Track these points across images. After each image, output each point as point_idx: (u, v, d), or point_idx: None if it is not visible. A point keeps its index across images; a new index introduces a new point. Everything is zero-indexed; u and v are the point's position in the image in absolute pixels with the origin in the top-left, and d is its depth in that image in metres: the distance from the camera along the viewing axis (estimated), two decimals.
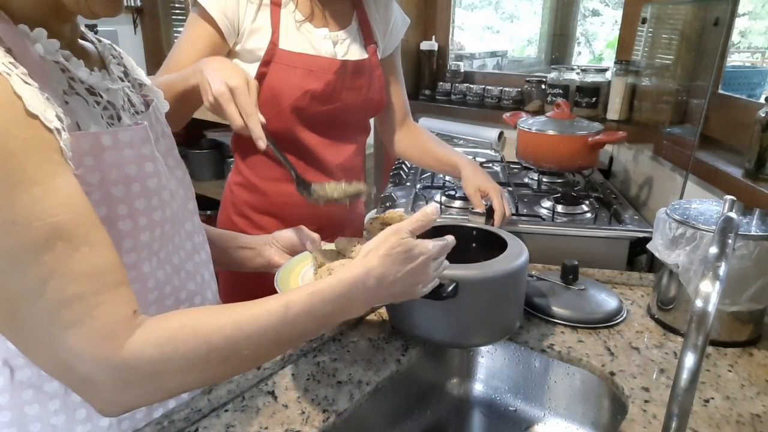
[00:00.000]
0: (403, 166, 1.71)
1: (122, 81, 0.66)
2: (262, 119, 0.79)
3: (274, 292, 0.67)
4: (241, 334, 0.53)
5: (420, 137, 1.31)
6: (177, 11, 3.49)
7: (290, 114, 1.06)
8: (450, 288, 0.75)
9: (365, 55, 1.14)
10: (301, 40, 1.07)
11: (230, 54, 1.07)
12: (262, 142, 0.78)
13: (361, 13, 1.16)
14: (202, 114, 1.03)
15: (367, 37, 1.16)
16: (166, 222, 0.63)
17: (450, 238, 0.68)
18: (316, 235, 0.87)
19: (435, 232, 0.92)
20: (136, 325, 0.49)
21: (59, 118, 0.49)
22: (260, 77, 1.05)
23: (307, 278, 0.78)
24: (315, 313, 0.57)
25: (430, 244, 0.64)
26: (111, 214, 0.56)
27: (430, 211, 0.65)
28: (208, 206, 2.63)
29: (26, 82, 0.46)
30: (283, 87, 1.05)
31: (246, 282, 1.17)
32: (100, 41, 0.67)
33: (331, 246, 0.84)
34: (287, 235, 0.87)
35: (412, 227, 0.64)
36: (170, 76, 0.92)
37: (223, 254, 0.85)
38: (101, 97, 0.59)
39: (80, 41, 0.63)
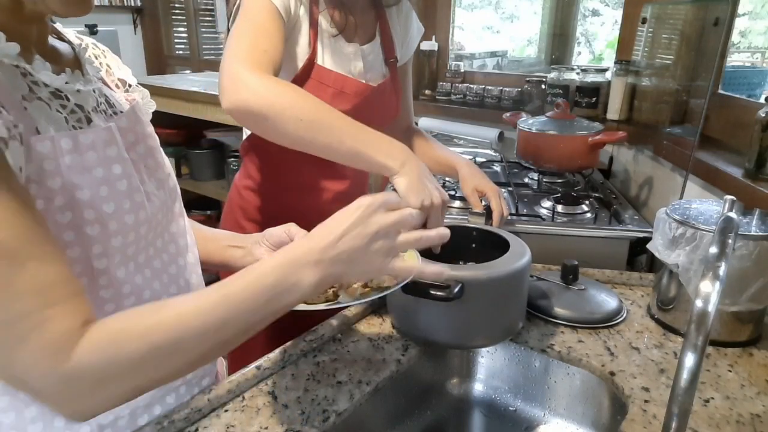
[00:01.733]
0: None
1: (99, 81, 0.64)
2: None
3: None
4: (181, 326, 0.51)
5: (418, 139, 1.31)
6: (177, 11, 3.50)
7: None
8: (456, 289, 0.75)
9: (387, 73, 1.14)
10: (335, 57, 1.06)
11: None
12: (438, 249, 0.82)
13: (384, 25, 1.15)
14: (202, 114, 1.02)
15: (388, 52, 1.15)
16: (140, 225, 0.61)
17: (409, 211, 0.62)
18: (304, 232, 0.86)
19: None
20: (84, 334, 0.49)
21: (7, 127, 0.47)
22: None
23: None
24: (257, 288, 0.54)
25: (381, 198, 0.60)
26: (77, 219, 0.54)
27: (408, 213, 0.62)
28: (208, 206, 2.64)
29: None
30: None
31: None
32: (81, 40, 0.66)
33: None
34: (277, 233, 0.85)
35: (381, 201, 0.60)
36: (346, 118, 0.85)
37: (212, 254, 0.83)
38: (67, 99, 0.57)
39: (53, 42, 0.61)
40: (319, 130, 0.83)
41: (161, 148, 0.71)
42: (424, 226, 0.80)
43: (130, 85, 0.72)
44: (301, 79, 1.03)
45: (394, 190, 0.84)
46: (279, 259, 0.56)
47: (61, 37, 0.63)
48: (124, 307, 0.61)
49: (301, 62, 1.03)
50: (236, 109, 0.83)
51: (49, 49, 0.60)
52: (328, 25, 1.05)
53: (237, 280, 0.55)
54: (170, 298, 0.54)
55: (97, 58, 0.67)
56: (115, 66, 0.71)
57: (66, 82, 0.58)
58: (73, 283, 0.50)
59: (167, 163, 0.72)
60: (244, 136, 1.15)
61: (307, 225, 0.88)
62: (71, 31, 0.67)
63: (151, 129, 0.70)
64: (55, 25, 0.65)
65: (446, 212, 0.84)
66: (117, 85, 0.69)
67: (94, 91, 0.62)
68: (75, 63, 0.63)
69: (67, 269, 0.50)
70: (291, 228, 0.86)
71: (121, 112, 0.65)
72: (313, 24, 1.03)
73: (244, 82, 0.82)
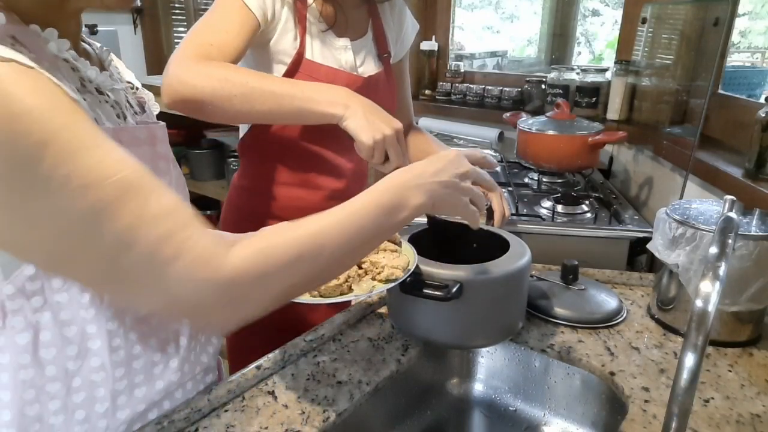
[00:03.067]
0: None
1: (120, 82, 0.66)
2: None
3: None
4: (321, 235, 0.56)
5: (420, 140, 1.31)
6: (177, 11, 3.49)
7: (309, 125, 1.06)
8: (455, 289, 0.75)
9: (380, 67, 1.15)
10: (325, 50, 1.06)
11: (261, 47, 1.03)
12: None
13: (377, 20, 1.15)
14: None
15: (381, 47, 1.16)
16: None
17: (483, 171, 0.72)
18: None
19: (435, 228, 0.93)
20: (229, 244, 0.51)
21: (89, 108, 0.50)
22: None
23: None
24: (376, 205, 0.61)
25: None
26: None
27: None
28: (208, 206, 2.63)
29: (50, 78, 0.48)
30: None
31: None
32: (94, 43, 0.68)
33: None
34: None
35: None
36: (279, 80, 0.91)
37: None
38: (108, 96, 0.60)
39: (81, 43, 0.63)
40: (255, 99, 0.86)
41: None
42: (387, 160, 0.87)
43: (136, 88, 0.73)
44: (291, 73, 1.04)
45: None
46: (391, 182, 0.63)
47: (83, 40, 0.65)
48: None
49: (289, 57, 1.03)
50: (173, 102, 0.86)
51: (82, 49, 0.62)
52: (317, 19, 1.06)
53: (357, 201, 0.60)
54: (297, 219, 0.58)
55: (110, 61, 0.69)
56: (122, 69, 0.73)
57: (107, 79, 0.60)
58: (190, 208, 0.53)
59: (177, 164, 0.73)
60: (240, 136, 1.15)
61: None
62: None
63: (164, 130, 0.72)
64: None
65: (401, 139, 0.88)
66: (128, 87, 0.70)
67: (122, 91, 0.64)
68: (100, 64, 0.65)
69: (179, 197, 0.52)
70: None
71: (140, 112, 0.68)
72: (301, 19, 1.03)
73: (174, 76, 0.85)
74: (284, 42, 1.03)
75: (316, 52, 1.06)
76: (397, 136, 0.86)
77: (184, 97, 0.85)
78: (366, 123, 0.85)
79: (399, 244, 0.85)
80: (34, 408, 0.58)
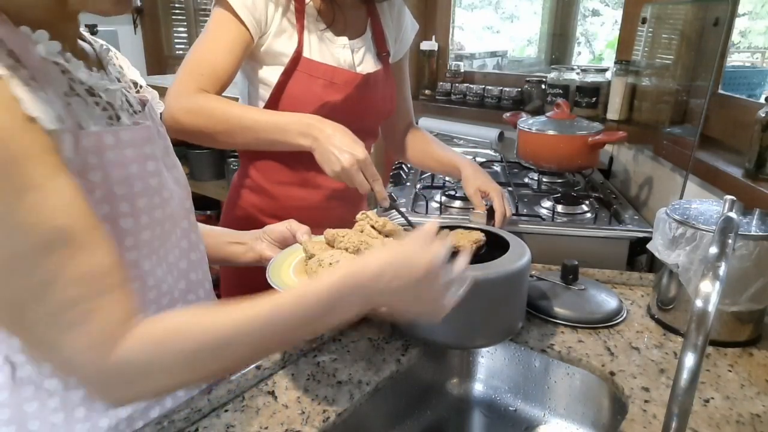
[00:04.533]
0: (403, 166, 1.71)
1: (119, 81, 0.66)
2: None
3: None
4: (232, 332, 0.53)
5: (421, 140, 1.31)
6: (177, 11, 3.49)
7: None
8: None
9: (379, 65, 1.15)
10: (323, 49, 1.07)
11: (254, 53, 1.05)
12: (386, 202, 0.94)
13: (375, 20, 1.16)
14: None
15: (380, 46, 1.16)
16: (166, 220, 0.63)
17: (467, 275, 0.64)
18: (305, 227, 0.87)
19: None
20: (130, 328, 0.50)
21: (60, 119, 0.49)
22: (281, 83, 1.05)
23: (299, 270, 0.78)
24: (304, 316, 0.56)
25: (442, 253, 0.59)
26: (113, 212, 0.57)
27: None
28: (208, 206, 2.63)
29: (27, 84, 0.47)
30: (304, 96, 1.05)
31: (247, 279, 1.18)
32: (96, 42, 0.67)
33: (320, 238, 0.84)
34: (278, 228, 0.87)
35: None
36: (256, 114, 0.97)
37: (214, 250, 0.85)
38: (101, 97, 0.59)
39: (80, 42, 0.63)
40: (237, 134, 0.96)
41: (172, 146, 0.73)
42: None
43: (141, 86, 0.73)
44: (289, 71, 1.04)
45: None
46: (334, 283, 0.56)
47: (83, 38, 0.64)
48: (148, 300, 0.63)
49: (287, 57, 1.04)
50: (172, 132, 0.91)
51: (79, 49, 0.62)
52: (315, 18, 1.06)
53: (285, 304, 0.55)
54: (214, 308, 0.54)
55: (111, 58, 0.69)
56: (126, 67, 0.72)
57: (100, 80, 0.60)
58: (122, 272, 0.51)
59: (178, 162, 0.74)
60: None
61: (305, 221, 0.89)
62: (85, 31, 0.68)
63: (163, 129, 0.72)
64: None
65: (366, 166, 0.90)
66: (130, 86, 0.70)
67: (119, 91, 0.64)
68: (98, 63, 0.65)
69: (116, 258, 0.51)
70: (292, 224, 0.87)
71: (140, 111, 0.67)
72: (299, 18, 1.04)
73: (168, 112, 0.94)
74: (279, 43, 1.04)
75: (314, 50, 1.06)
76: (360, 165, 0.90)
77: (177, 131, 0.94)
78: (326, 157, 0.91)
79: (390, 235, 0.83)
80: (32, 405, 0.58)
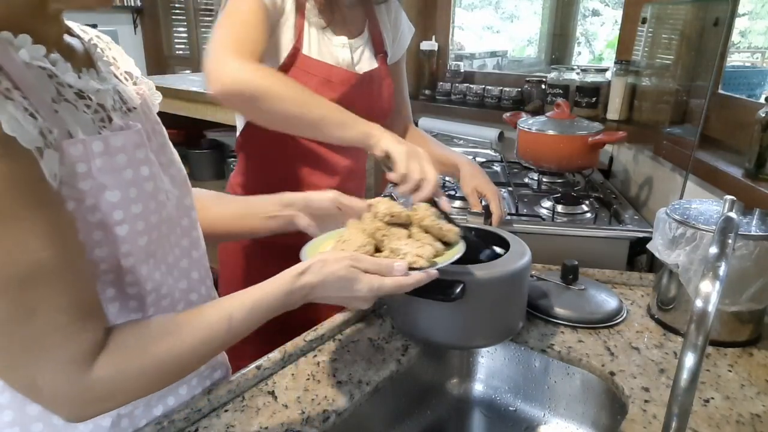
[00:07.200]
0: None
1: (113, 77, 0.64)
2: None
3: None
4: (189, 351, 0.57)
5: (419, 139, 1.31)
6: (177, 11, 3.49)
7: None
8: (458, 290, 0.74)
9: (376, 65, 1.15)
10: (322, 47, 1.07)
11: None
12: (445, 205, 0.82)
13: (373, 20, 1.16)
14: (202, 114, 1.03)
15: (377, 46, 1.16)
16: (163, 223, 0.62)
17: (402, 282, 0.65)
18: (351, 199, 0.81)
19: None
20: (101, 347, 0.52)
21: (42, 133, 0.48)
22: None
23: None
24: (254, 322, 0.61)
25: (374, 284, 0.64)
26: (106, 219, 0.55)
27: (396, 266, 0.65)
28: None
29: (8, 98, 0.46)
30: None
31: (246, 277, 1.18)
32: (85, 33, 0.65)
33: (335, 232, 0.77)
34: (323, 205, 0.82)
35: (368, 267, 0.64)
36: (323, 104, 0.89)
37: (256, 229, 0.83)
38: (91, 99, 0.58)
39: (66, 38, 0.61)
40: (308, 106, 0.88)
41: (170, 142, 0.71)
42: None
43: (136, 77, 0.71)
44: (286, 67, 1.04)
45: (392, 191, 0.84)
46: (282, 286, 0.62)
47: (70, 33, 0.63)
48: (147, 304, 0.63)
49: (286, 52, 1.04)
50: (226, 92, 0.86)
51: (66, 47, 0.60)
52: (315, 17, 1.06)
53: (240, 315, 0.60)
54: (176, 318, 0.59)
55: (103, 52, 0.66)
56: (119, 58, 0.70)
57: (90, 82, 0.58)
58: (95, 295, 0.54)
59: (177, 157, 0.72)
60: (238, 133, 1.15)
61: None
62: (74, 24, 0.66)
63: (160, 125, 0.70)
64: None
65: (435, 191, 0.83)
66: (125, 78, 0.68)
67: (110, 90, 0.62)
68: (87, 60, 0.63)
69: (91, 282, 0.54)
70: (339, 198, 0.82)
71: (134, 108, 0.65)
72: (300, 15, 1.04)
73: (231, 67, 0.86)
74: (283, 37, 1.03)
75: (313, 48, 1.06)
76: (434, 184, 0.82)
77: (239, 89, 0.86)
78: (411, 151, 0.84)
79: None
80: (34, 408, 0.58)
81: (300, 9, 1.04)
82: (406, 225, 0.74)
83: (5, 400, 0.57)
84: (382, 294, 0.65)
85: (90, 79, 0.58)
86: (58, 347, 0.49)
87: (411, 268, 0.67)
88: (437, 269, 0.67)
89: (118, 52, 0.71)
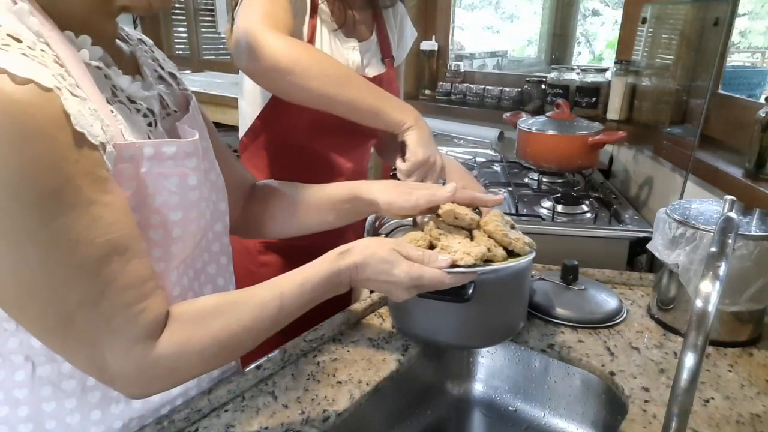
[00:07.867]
0: None
1: (159, 81, 0.65)
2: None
3: None
4: (244, 329, 0.58)
5: None
6: (177, 11, 3.49)
7: (309, 122, 1.06)
8: (471, 290, 0.73)
9: (384, 69, 1.15)
10: (333, 50, 1.07)
11: None
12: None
13: (381, 24, 1.16)
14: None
15: (385, 50, 1.16)
16: (199, 232, 0.63)
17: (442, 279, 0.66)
18: (446, 193, 0.76)
19: None
20: (164, 325, 0.54)
21: (104, 130, 0.50)
22: None
23: None
24: (305, 301, 0.62)
25: (414, 272, 0.64)
26: (143, 222, 0.56)
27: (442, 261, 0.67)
28: None
29: (74, 95, 0.47)
30: None
31: (257, 281, 1.17)
32: (131, 38, 0.66)
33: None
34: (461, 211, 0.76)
35: (410, 254, 0.65)
36: (372, 85, 0.89)
37: (334, 211, 0.81)
38: (141, 104, 0.59)
39: (117, 41, 0.62)
40: (344, 85, 0.86)
41: (212, 147, 0.71)
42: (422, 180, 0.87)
43: (179, 80, 0.71)
44: None
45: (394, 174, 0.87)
46: (325, 279, 0.63)
47: (120, 36, 0.63)
48: None
49: None
50: (260, 66, 0.84)
51: (117, 51, 0.61)
52: (328, 18, 1.06)
53: (291, 294, 0.61)
54: (231, 300, 0.60)
55: (147, 54, 0.67)
56: (162, 59, 0.70)
57: (140, 88, 0.59)
58: (156, 276, 0.55)
59: (216, 162, 0.71)
60: (241, 134, 1.15)
61: None
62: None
63: (204, 129, 0.70)
64: None
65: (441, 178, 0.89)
66: (170, 78, 0.69)
67: (155, 95, 0.63)
68: (134, 64, 0.64)
69: (151, 261, 0.55)
70: (475, 197, 0.78)
71: (175, 111, 0.66)
72: (314, 15, 1.04)
73: (266, 40, 0.83)
74: (296, 34, 1.03)
75: (324, 48, 1.06)
76: (441, 170, 0.89)
77: (275, 62, 0.82)
78: (428, 141, 0.88)
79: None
80: (50, 405, 0.58)
81: (314, 9, 1.04)
82: (470, 229, 0.75)
83: (23, 395, 0.57)
84: (422, 285, 0.65)
85: (139, 83, 0.59)
86: (125, 325, 0.51)
87: (455, 265, 0.67)
88: (475, 271, 0.68)
89: (161, 54, 0.72)
